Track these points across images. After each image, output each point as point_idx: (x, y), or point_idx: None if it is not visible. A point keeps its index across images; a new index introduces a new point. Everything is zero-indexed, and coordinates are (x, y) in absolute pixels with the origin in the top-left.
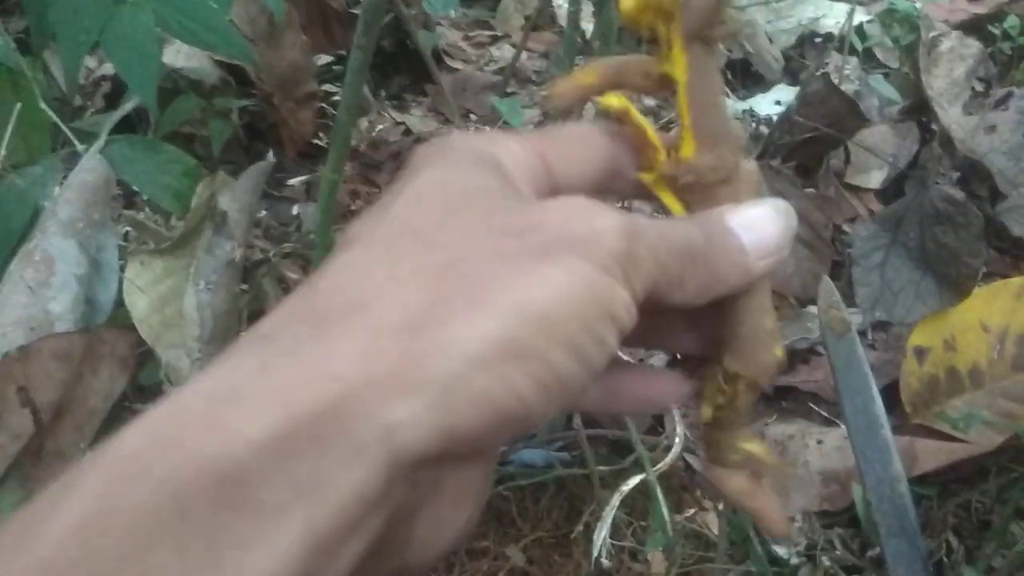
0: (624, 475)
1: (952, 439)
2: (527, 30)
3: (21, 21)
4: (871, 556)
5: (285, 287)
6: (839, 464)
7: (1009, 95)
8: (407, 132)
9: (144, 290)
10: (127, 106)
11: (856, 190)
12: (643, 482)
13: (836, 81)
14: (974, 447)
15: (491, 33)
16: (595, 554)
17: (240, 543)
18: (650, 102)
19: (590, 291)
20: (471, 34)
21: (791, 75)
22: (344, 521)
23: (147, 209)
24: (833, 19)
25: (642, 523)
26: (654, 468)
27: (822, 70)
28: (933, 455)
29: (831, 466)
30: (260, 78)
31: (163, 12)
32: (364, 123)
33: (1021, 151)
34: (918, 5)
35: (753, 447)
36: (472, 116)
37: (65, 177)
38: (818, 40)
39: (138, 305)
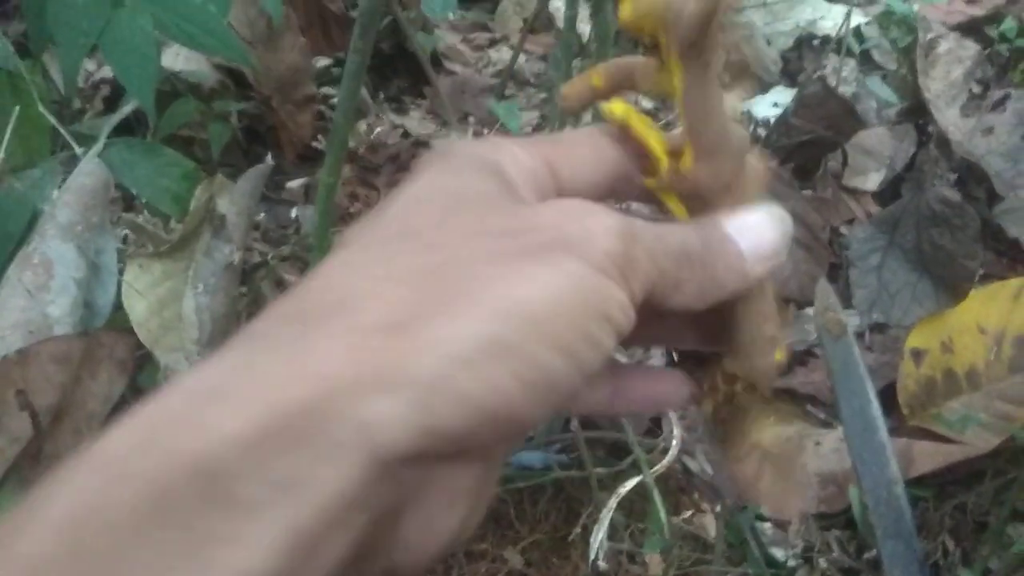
0: (622, 477)
1: (949, 441)
2: (524, 33)
3: (20, 24)
4: (868, 558)
5: (284, 290)
6: (836, 466)
7: (1006, 97)
8: (405, 135)
9: (143, 293)
10: (126, 109)
11: (853, 192)
12: (641, 484)
13: (834, 83)
14: (970, 449)
15: (490, 36)
16: (592, 556)
17: (222, 539)
18: (648, 103)
19: (583, 291)
20: (470, 37)
21: (789, 77)
22: (325, 518)
23: (146, 212)
24: (831, 21)
25: (640, 525)
26: (651, 470)
27: (819, 72)
28: (930, 457)
29: (828, 468)
30: (259, 81)
31: (161, 15)
32: (363, 126)
33: (1018, 153)
34: (915, 7)
35: (762, 436)
36: (471, 119)
37: (64, 180)
38: (816, 42)
39: (137, 308)
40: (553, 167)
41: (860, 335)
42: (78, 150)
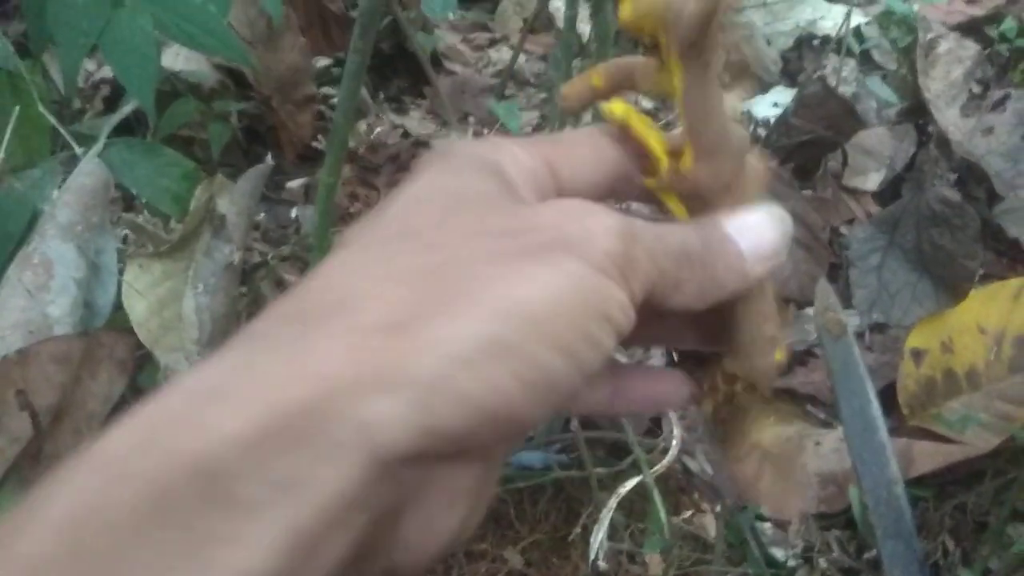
0: (622, 477)
1: (949, 441)
2: (524, 33)
3: (20, 24)
4: (868, 558)
5: (284, 290)
6: (836, 466)
7: (1006, 97)
8: (406, 135)
9: (143, 293)
10: (126, 109)
11: (853, 192)
12: (641, 484)
13: (834, 83)
14: (970, 449)
15: (490, 36)
16: (592, 556)
17: (222, 539)
18: (648, 103)
19: (582, 291)
20: (470, 37)
21: (789, 77)
22: (326, 518)
23: (146, 212)
24: (831, 21)
25: (640, 525)
26: (651, 470)
27: (819, 72)
28: (930, 457)
29: (828, 468)
30: (259, 81)
31: (161, 15)
32: (363, 126)
33: (1018, 153)
34: (915, 7)
35: (762, 436)
36: (471, 119)
37: (64, 180)
38: (816, 42)
39: (137, 308)
40: (553, 167)
41: (860, 335)
42: (78, 150)
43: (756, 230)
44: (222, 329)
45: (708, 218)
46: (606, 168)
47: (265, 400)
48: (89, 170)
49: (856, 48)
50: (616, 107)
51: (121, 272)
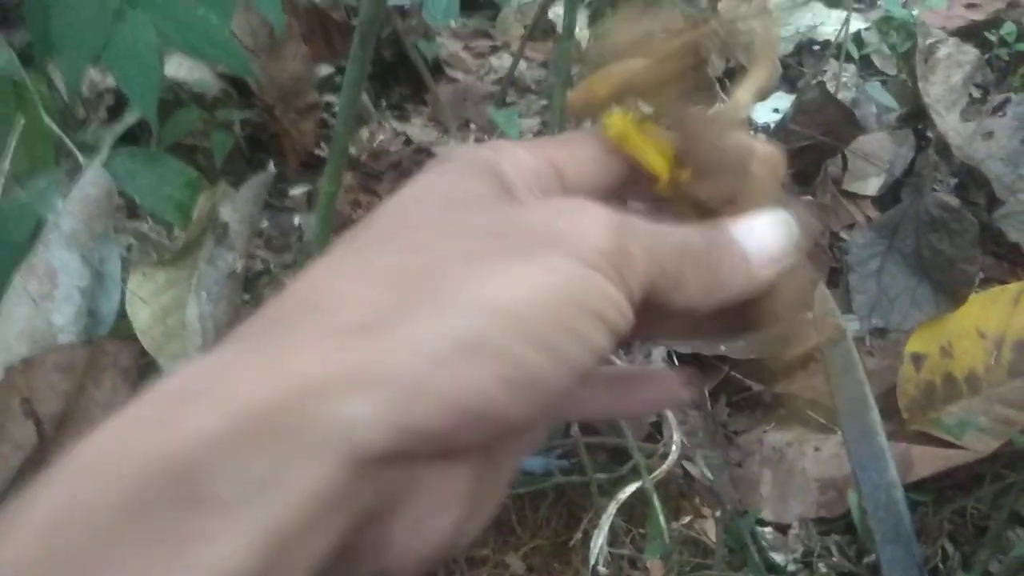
0: (622, 482)
1: (948, 445)
2: (524, 40)
3: (24, 34)
4: (867, 562)
5: None
6: (836, 471)
7: (1006, 101)
8: (408, 142)
9: (146, 301)
10: (129, 119)
11: (853, 197)
12: (641, 489)
13: (833, 88)
14: (970, 453)
15: (491, 43)
16: (593, 561)
17: (198, 538)
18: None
19: (570, 288)
20: (471, 44)
21: (789, 83)
22: (302, 517)
23: (149, 221)
24: (830, 27)
25: (640, 530)
26: (652, 475)
27: (819, 78)
28: (929, 461)
29: (828, 473)
30: (261, 90)
31: (164, 25)
32: (365, 133)
33: (1018, 157)
34: (915, 12)
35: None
36: (472, 125)
37: (68, 190)
38: (816, 48)
39: (140, 316)
40: (558, 167)
41: (860, 340)
42: (82, 159)
43: (761, 232)
44: (225, 336)
45: (713, 221)
46: (612, 169)
47: (240, 400)
48: (93, 179)
49: (856, 53)
50: (615, 122)
51: (125, 280)
